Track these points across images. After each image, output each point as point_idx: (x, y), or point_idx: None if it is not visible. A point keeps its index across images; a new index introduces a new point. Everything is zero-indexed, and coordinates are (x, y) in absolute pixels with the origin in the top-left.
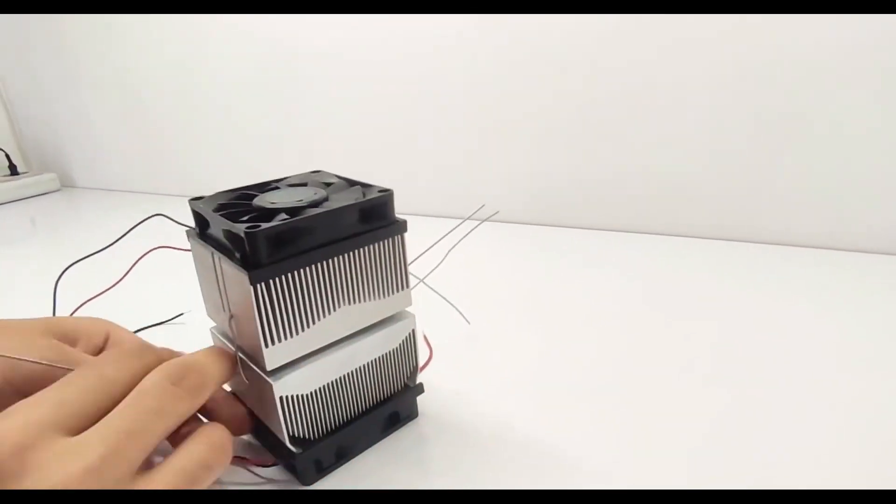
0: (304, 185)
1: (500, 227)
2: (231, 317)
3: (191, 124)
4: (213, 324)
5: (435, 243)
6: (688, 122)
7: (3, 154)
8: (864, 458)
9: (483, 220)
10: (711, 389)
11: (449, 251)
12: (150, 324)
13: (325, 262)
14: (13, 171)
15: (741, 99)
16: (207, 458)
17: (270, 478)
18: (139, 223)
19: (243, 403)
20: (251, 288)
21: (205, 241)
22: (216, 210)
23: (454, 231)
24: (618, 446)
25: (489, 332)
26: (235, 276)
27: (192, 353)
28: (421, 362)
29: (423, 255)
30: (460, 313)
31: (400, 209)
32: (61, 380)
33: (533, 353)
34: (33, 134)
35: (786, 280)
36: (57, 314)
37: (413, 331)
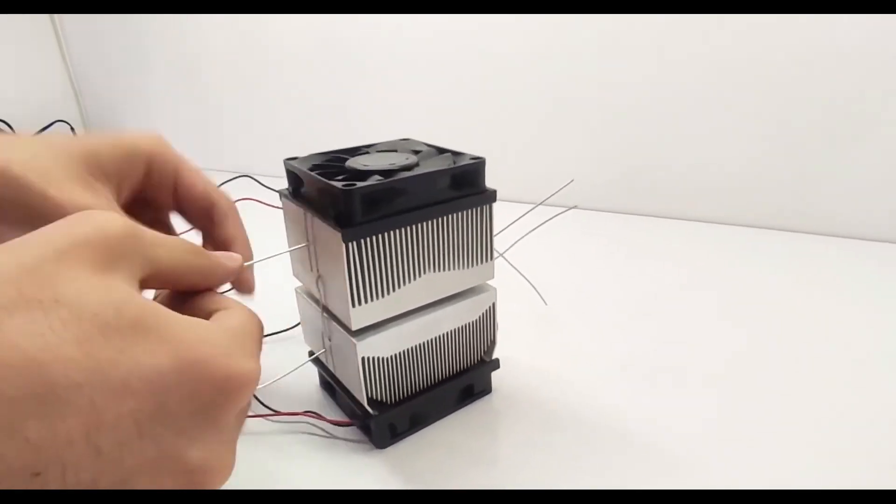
0: (395, 151)
1: (580, 214)
2: (319, 276)
3: (247, 105)
4: (299, 284)
5: (518, 218)
6: (762, 115)
7: (69, 126)
8: None
9: (567, 209)
10: (778, 376)
11: (530, 231)
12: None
13: (415, 226)
14: None
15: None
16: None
17: (344, 437)
18: (227, 181)
19: None
20: (343, 246)
21: (297, 200)
22: (311, 169)
23: (534, 212)
24: (692, 436)
25: (565, 315)
26: (328, 235)
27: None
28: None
29: (501, 235)
30: (538, 293)
31: None
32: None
33: (608, 338)
34: (96, 108)
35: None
36: None
37: (494, 304)
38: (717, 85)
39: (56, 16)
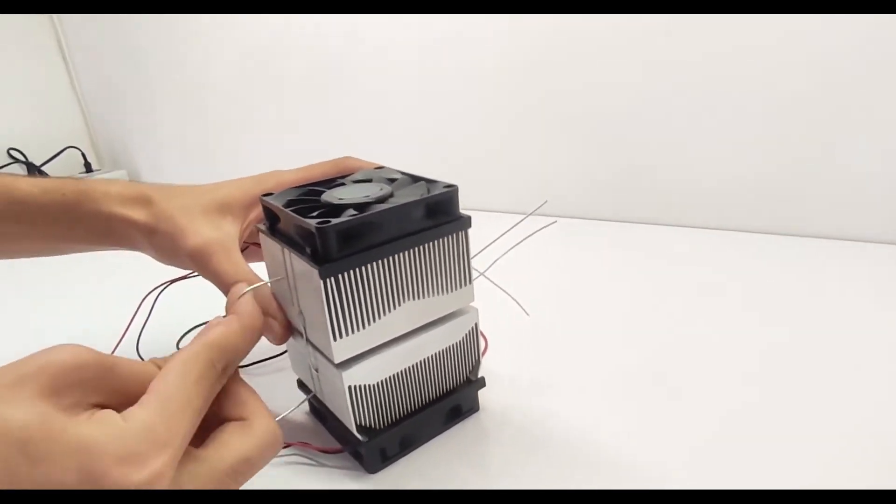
0: (369, 181)
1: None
2: (300, 311)
3: (247, 123)
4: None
5: (494, 241)
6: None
7: (80, 153)
8: None
9: (546, 226)
10: (766, 387)
11: (511, 248)
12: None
13: (392, 257)
14: (88, 168)
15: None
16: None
17: (335, 464)
18: None
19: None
20: (321, 282)
21: (275, 236)
22: (286, 206)
23: (515, 228)
24: (678, 446)
25: (548, 326)
26: (305, 271)
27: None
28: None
29: (483, 250)
30: (519, 305)
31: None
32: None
33: (594, 349)
34: (105, 133)
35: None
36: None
37: (476, 325)
38: (708, 88)
39: (65, 46)
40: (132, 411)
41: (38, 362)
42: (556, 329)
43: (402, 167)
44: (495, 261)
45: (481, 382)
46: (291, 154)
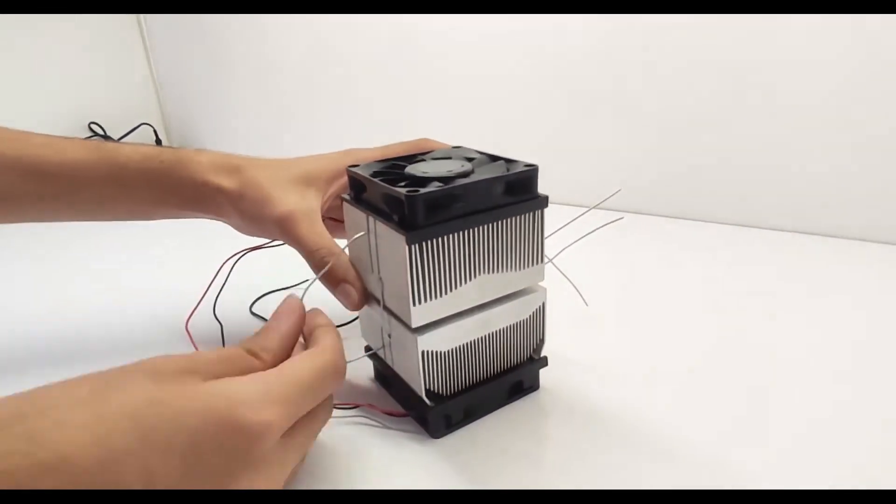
0: (449, 158)
1: (629, 218)
2: (380, 277)
3: (317, 108)
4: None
5: (565, 225)
6: (821, 121)
7: (152, 130)
8: None
9: (614, 220)
10: (831, 386)
11: (580, 239)
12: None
13: (472, 230)
14: (158, 145)
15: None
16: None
17: (399, 428)
18: None
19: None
20: (406, 248)
21: (360, 205)
22: (373, 176)
23: (582, 220)
24: (732, 437)
25: (608, 317)
26: (391, 238)
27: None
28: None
29: (554, 233)
30: (580, 294)
31: None
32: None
33: (648, 340)
34: (176, 112)
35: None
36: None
37: (543, 304)
38: (796, 85)
39: (145, 30)
40: (252, 375)
41: (137, 364)
42: (612, 320)
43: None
44: (564, 249)
45: (543, 361)
46: (359, 142)
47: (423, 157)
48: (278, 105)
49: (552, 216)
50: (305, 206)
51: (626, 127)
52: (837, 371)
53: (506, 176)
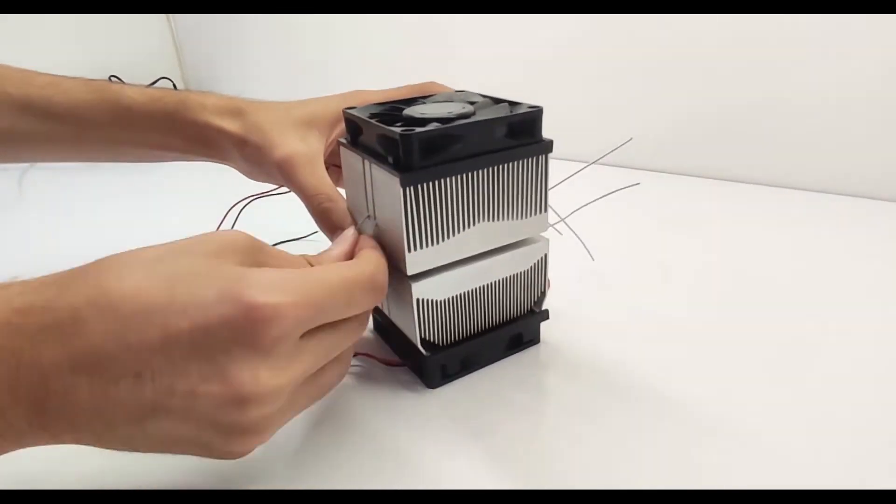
0: (451, 101)
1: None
2: (376, 223)
3: (335, 61)
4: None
5: (572, 175)
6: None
7: (172, 84)
8: None
9: (629, 186)
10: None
11: (593, 202)
12: (285, 239)
13: (471, 173)
14: None
15: None
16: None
17: (396, 377)
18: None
19: None
20: (401, 191)
21: (356, 148)
22: (370, 117)
23: (597, 182)
24: (735, 396)
25: (613, 274)
26: (386, 181)
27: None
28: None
29: (562, 199)
30: (586, 249)
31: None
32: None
33: (653, 297)
34: (195, 64)
35: None
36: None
37: (545, 255)
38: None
39: None
40: (278, 269)
41: (207, 236)
42: (619, 278)
43: None
44: (578, 209)
45: (545, 315)
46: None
47: (424, 99)
48: (298, 58)
49: (565, 172)
50: (306, 149)
51: (651, 77)
52: (858, 340)
53: (508, 117)
